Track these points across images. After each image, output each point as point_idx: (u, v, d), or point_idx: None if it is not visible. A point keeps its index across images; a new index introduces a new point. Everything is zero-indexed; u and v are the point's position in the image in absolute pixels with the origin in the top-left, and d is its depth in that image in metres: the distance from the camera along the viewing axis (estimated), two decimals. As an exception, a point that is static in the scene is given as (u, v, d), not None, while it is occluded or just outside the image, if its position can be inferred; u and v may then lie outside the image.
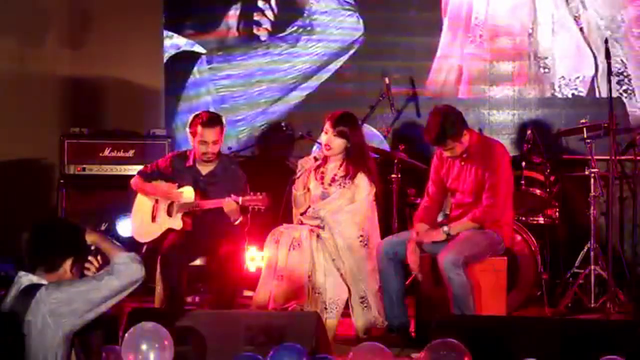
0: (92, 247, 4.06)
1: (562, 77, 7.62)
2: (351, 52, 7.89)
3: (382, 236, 6.09)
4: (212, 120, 6.19)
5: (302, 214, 6.14)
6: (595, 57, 7.51)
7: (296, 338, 4.68)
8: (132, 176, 6.50)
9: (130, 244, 6.17)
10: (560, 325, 5.11)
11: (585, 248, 6.69)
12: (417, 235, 5.75)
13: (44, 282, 3.85)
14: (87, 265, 4.04)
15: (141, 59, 8.14)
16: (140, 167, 6.74)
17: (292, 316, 5.42)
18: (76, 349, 3.91)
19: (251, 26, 8.04)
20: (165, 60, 8.12)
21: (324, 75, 7.94)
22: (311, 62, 7.96)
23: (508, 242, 5.87)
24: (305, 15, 7.95)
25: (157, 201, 6.30)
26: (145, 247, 6.24)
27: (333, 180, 6.07)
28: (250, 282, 6.47)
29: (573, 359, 4.64)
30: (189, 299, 6.76)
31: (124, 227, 7.00)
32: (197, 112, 6.37)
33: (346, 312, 5.94)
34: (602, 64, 7.30)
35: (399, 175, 6.88)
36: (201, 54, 8.10)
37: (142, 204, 6.36)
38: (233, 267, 6.07)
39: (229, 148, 7.62)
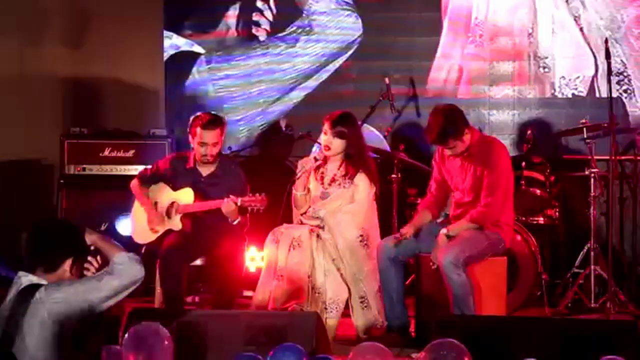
0: (92, 247, 4.06)
1: (562, 77, 7.62)
2: (350, 52, 7.89)
3: (382, 236, 6.09)
4: (212, 122, 6.18)
5: (302, 214, 6.14)
6: (595, 57, 7.51)
7: (296, 338, 4.68)
8: (132, 176, 6.50)
9: (130, 244, 6.17)
10: (560, 325, 5.11)
11: (585, 248, 6.69)
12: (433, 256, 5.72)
13: (43, 282, 3.86)
14: (86, 265, 4.05)
15: (141, 59, 8.14)
16: (140, 167, 6.74)
17: (292, 316, 5.42)
18: (75, 349, 3.91)
19: (250, 26, 8.04)
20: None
21: (323, 76, 7.93)
22: (310, 62, 7.95)
23: (509, 243, 5.86)
24: (304, 15, 7.95)
25: (156, 203, 6.30)
26: (144, 248, 6.24)
27: (333, 180, 6.07)
28: (250, 282, 6.46)
29: (573, 359, 4.63)
30: (189, 299, 6.76)
31: (124, 227, 6.99)
32: (197, 114, 6.37)
33: (346, 312, 5.94)
34: (602, 64, 7.30)
35: (399, 175, 6.89)
36: (200, 54, 8.10)
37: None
38: (233, 268, 6.07)
39: (229, 148, 7.62)
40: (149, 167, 6.50)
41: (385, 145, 7.53)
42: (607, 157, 6.58)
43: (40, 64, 8.03)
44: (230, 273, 6.05)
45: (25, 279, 3.87)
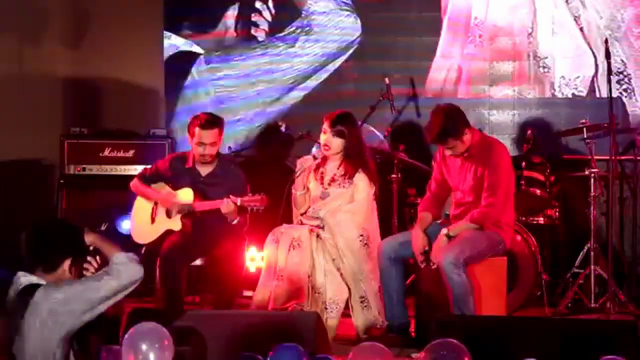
0: (91, 248, 4.06)
1: (562, 77, 7.62)
2: (349, 52, 7.89)
3: (382, 236, 6.09)
4: (210, 122, 6.18)
5: (302, 214, 6.14)
6: (595, 57, 7.51)
7: (296, 338, 4.68)
8: (132, 176, 6.50)
9: (131, 243, 6.18)
10: (560, 325, 5.11)
11: (585, 248, 6.69)
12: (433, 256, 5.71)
13: (42, 282, 3.85)
14: (85, 265, 4.05)
15: (141, 59, 8.14)
16: (140, 167, 6.73)
17: (292, 316, 5.42)
18: (75, 349, 3.91)
19: (249, 27, 8.04)
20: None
21: (323, 76, 7.93)
22: (309, 62, 7.95)
23: (509, 243, 5.86)
24: (303, 15, 7.95)
25: (156, 203, 6.29)
26: (144, 248, 6.24)
27: (332, 180, 6.07)
28: (250, 282, 6.46)
29: (573, 359, 4.63)
30: (189, 299, 6.75)
31: (125, 226, 7.00)
32: (196, 114, 6.37)
33: (346, 312, 5.94)
34: (602, 64, 7.30)
35: (399, 175, 6.89)
36: (199, 54, 8.10)
37: (141, 205, 6.37)
38: (233, 268, 6.07)
39: (229, 148, 7.62)
40: (149, 167, 6.50)
41: (385, 145, 7.53)
42: (607, 157, 6.58)
43: (40, 64, 8.02)
44: (230, 273, 6.05)
45: (25, 279, 3.87)
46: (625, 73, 7.46)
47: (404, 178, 6.96)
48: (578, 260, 6.79)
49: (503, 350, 4.64)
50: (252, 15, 8.03)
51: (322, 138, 6.04)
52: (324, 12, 7.92)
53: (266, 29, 8.02)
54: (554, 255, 7.06)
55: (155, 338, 4.12)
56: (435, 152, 6.05)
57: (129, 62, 8.09)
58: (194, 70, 8.10)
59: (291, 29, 7.98)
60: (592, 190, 6.63)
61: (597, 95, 7.50)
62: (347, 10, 7.89)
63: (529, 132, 7.08)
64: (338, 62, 7.91)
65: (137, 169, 6.90)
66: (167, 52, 8.12)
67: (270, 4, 8.00)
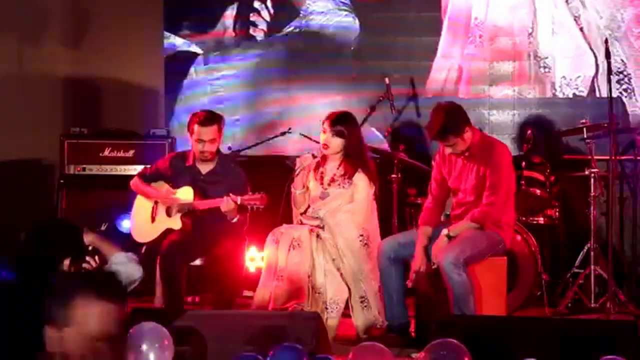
0: (90, 247, 4.06)
1: (563, 77, 7.62)
2: (348, 52, 7.89)
3: (382, 236, 6.09)
4: (208, 118, 6.19)
5: (302, 214, 6.14)
6: (595, 57, 7.51)
7: (296, 338, 4.68)
8: (132, 176, 6.50)
9: (131, 243, 6.18)
10: (560, 325, 5.11)
11: (585, 248, 6.69)
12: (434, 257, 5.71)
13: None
14: (84, 265, 4.04)
15: (141, 59, 8.14)
16: (140, 167, 6.73)
17: (292, 316, 5.42)
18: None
19: (248, 26, 8.04)
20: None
21: (321, 75, 7.93)
22: (307, 62, 7.95)
23: (509, 243, 5.86)
24: (301, 15, 7.95)
25: (156, 202, 6.30)
26: (144, 247, 6.24)
27: (332, 180, 6.08)
28: (250, 282, 6.47)
29: (573, 359, 4.63)
30: (189, 299, 6.75)
31: (125, 226, 7.00)
32: (195, 111, 6.38)
33: (346, 312, 5.94)
34: (602, 64, 7.30)
35: (399, 175, 6.88)
36: (198, 54, 8.10)
37: (141, 204, 6.37)
38: (233, 267, 6.07)
39: (229, 148, 7.62)
40: (149, 166, 6.50)
41: (385, 145, 7.53)
42: (607, 157, 6.58)
43: (40, 63, 8.02)
44: (230, 273, 6.05)
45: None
46: (625, 73, 7.46)
47: (404, 178, 6.96)
48: (578, 260, 6.78)
49: (503, 350, 4.64)
50: (251, 15, 8.03)
51: (322, 138, 6.05)
52: (323, 12, 7.92)
53: (265, 28, 8.02)
54: (554, 255, 7.06)
55: (155, 338, 4.13)
56: (435, 153, 6.05)
57: (129, 62, 8.09)
58: (192, 70, 8.10)
59: (289, 29, 7.98)
60: (592, 190, 6.63)
61: (597, 95, 7.50)
62: (345, 10, 7.89)
63: (529, 132, 7.08)
64: (336, 62, 7.91)
65: (137, 169, 6.90)
66: (166, 52, 8.12)
67: (269, 3, 8.01)
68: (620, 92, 7.43)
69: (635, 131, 7.13)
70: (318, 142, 6.21)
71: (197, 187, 6.19)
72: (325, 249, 5.92)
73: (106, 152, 7.42)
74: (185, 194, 6.18)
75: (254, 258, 7.21)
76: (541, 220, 6.87)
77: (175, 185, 6.25)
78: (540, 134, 7.22)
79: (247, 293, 6.74)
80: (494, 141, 5.93)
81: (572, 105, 7.56)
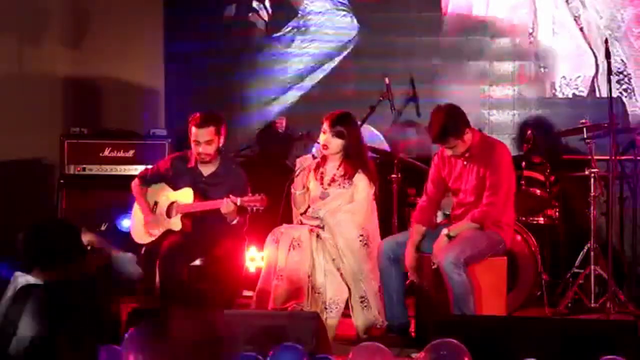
0: (89, 248, 4.06)
1: (563, 77, 7.62)
2: (346, 52, 7.89)
3: (382, 236, 6.09)
4: (205, 120, 6.17)
5: (302, 214, 6.14)
6: (595, 57, 7.51)
7: (296, 338, 4.68)
8: (132, 176, 6.50)
9: (131, 243, 6.17)
10: (560, 325, 5.10)
11: (585, 248, 6.69)
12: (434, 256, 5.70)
13: (40, 282, 3.85)
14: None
15: (141, 59, 8.13)
16: (140, 167, 6.72)
17: (292, 316, 5.41)
18: (74, 349, 3.91)
19: (246, 27, 8.04)
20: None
21: (319, 75, 7.94)
22: (306, 62, 7.95)
23: (509, 243, 5.86)
24: (299, 15, 7.96)
25: (156, 203, 6.29)
26: (144, 248, 6.24)
27: (332, 180, 6.08)
28: (250, 282, 6.46)
29: (573, 359, 4.63)
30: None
31: (126, 225, 6.99)
32: (194, 113, 6.37)
33: (346, 312, 5.94)
34: (602, 64, 7.30)
35: (399, 175, 6.89)
36: (197, 54, 8.10)
37: (141, 204, 6.38)
38: (233, 268, 6.07)
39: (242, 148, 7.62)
40: (150, 167, 6.50)
41: (385, 145, 7.53)
42: (607, 157, 6.58)
43: (39, 63, 8.02)
44: (230, 273, 6.05)
45: (22, 279, 3.87)
46: (625, 73, 7.46)
47: (404, 178, 6.96)
48: (578, 260, 6.79)
49: (503, 350, 4.64)
50: (250, 15, 8.03)
51: (322, 138, 6.04)
52: (321, 12, 7.93)
53: (263, 28, 8.02)
54: (554, 255, 7.06)
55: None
56: (434, 154, 6.05)
57: (129, 62, 8.09)
58: (191, 70, 8.10)
59: (288, 29, 7.99)
60: (592, 190, 6.63)
61: (597, 95, 7.50)
62: (343, 10, 7.89)
63: (529, 132, 7.08)
64: (335, 62, 7.91)
65: (137, 169, 6.90)
66: (166, 52, 8.12)
67: (267, 3, 8.01)
68: (620, 92, 7.43)
69: (635, 131, 7.13)
70: (318, 143, 6.21)
71: (198, 189, 6.18)
72: (325, 249, 5.92)
73: (106, 152, 7.41)
74: (185, 195, 6.17)
75: (254, 258, 7.21)
76: (541, 220, 6.87)
77: (175, 186, 6.25)
78: (540, 134, 7.22)
79: (247, 293, 6.74)
80: (493, 141, 5.93)
81: (572, 105, 7.56)
